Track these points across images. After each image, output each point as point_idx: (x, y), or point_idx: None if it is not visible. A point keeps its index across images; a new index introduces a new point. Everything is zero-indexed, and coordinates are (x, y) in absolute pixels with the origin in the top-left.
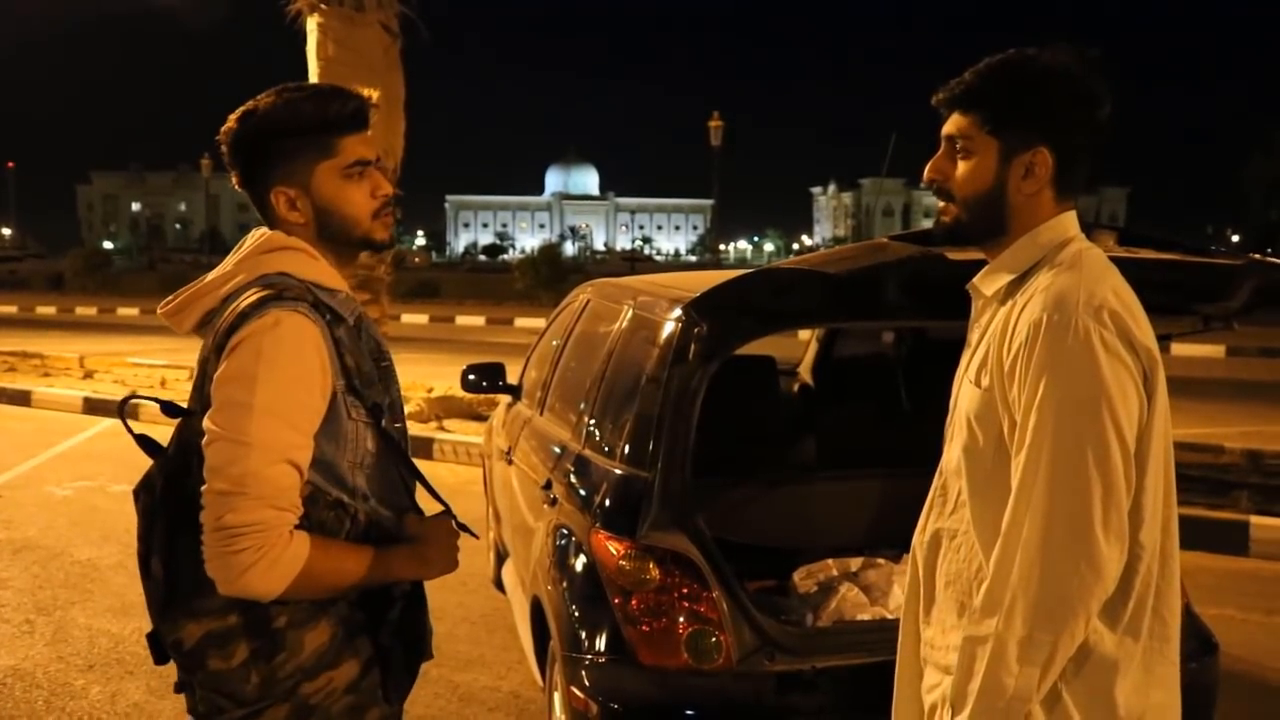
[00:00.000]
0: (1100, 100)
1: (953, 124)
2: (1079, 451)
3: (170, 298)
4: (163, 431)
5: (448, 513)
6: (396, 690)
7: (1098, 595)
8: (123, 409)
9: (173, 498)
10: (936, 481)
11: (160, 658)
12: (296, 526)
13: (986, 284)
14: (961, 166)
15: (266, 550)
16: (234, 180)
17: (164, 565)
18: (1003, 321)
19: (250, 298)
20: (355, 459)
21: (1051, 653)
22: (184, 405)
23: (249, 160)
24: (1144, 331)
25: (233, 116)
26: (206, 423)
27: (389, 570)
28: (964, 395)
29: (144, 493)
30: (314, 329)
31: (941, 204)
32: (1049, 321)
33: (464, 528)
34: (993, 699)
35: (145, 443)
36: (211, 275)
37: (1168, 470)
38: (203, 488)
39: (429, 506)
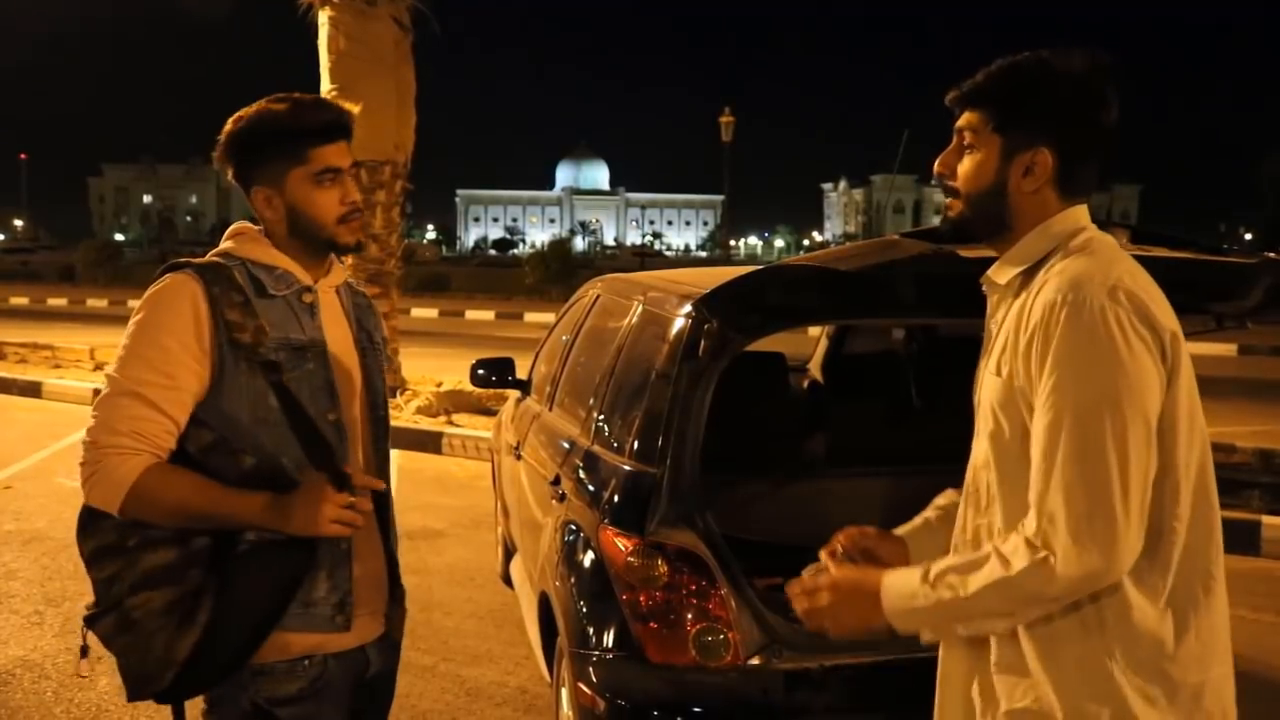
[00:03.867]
0: (1106, 104)
1: (963, 120)
2: (1098, 428)
3: None
4: None
5: (332, 477)
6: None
7: (1105, 578)
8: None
9: None
10: (968, 478)
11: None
12: (181, 462)
13: (1000, 275)
14: (966, 162)
15: (98, 467)
16: (229, 176)
17: None
18: (1018, 310)
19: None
20: (258, 415)
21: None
22: None
23: (236, 161)
24: (1162, 310)
25: (228, 121)
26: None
27: (239, 511)
28: (986, 387)
29: None
30: (192, 287)
31: (948, 199)
32: (1064, 301)
33: (345, 486)
34: (945, 607)
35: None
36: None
37: (1201, 443)
38: None
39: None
